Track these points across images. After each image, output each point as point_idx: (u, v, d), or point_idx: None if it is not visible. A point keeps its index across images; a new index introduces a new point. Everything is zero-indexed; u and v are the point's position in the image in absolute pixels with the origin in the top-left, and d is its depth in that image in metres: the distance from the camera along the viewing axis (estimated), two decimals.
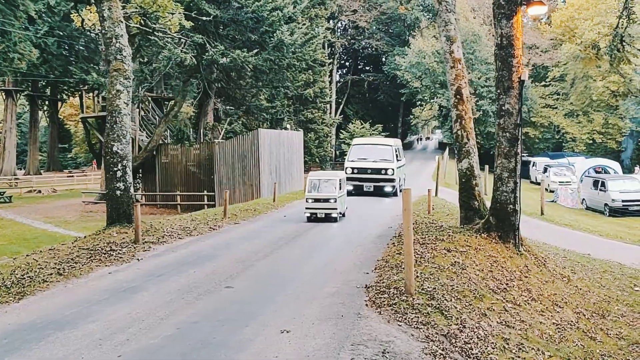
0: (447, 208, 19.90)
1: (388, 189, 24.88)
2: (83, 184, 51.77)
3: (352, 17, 64.48)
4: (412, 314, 8.00)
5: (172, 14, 18.83)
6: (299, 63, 32.92)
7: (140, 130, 35.58)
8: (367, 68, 78.91)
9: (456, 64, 14.32)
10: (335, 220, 17.11)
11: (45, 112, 72.47)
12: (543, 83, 62.52)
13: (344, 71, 75.76)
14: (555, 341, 8.87)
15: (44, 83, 62.98)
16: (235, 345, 6.83)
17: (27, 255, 11.92)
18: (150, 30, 20.25)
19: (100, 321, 7.85)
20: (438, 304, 8.46)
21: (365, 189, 25.07)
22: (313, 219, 17.23)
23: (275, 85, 32.97)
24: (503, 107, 12.77)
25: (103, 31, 14.90)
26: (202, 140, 34.50)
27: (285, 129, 36.95)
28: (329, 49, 62.62)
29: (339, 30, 70.35)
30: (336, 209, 17.10)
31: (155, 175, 34.04)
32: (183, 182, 33.20)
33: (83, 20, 21.17)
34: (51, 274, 10.37)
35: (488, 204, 14.14)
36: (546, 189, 31.17)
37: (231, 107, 37.24)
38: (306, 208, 17.36)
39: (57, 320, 7.93)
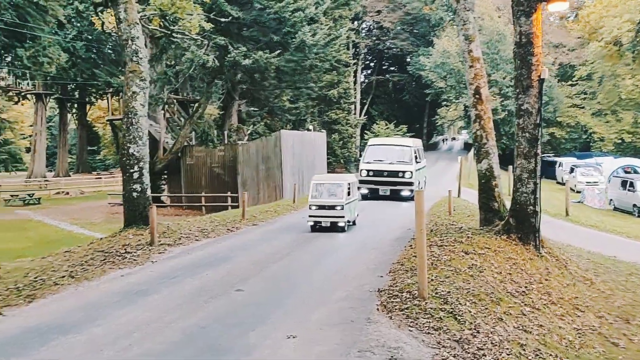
0: (468, 209, 19.58)
1: (406, 193, 23.18)
2: (110, 186, 52.41)
3: (376, 17, 64.18)
4: (424, 318, 7.82)
5: (190, 14, 18.86)
6: (321, 64, 32.83)
7: (165, 132, 35.85)
8: (392, 68, 78.46)
9: (475, 63, 14.08)
10: (342, 230, 15.46)
11: (74, 115, 73.67)
12: (570, 82, 61.40)
13: (369, 72, 75.46)
14: (575, 347, 8.59)
15: (72, 86, 64.03)
16: (240, 351, 6.76)
17: (42, 258, 12.03)
18: (169, 33, 20.33)
19: (106, 325, 7.83)
20: (452, 308, 8.25)
21: (381, 193, 23.57)
22: (317, 228, 15.59)
23: (298, 86, 32.95)
24: (522, 107, 12.51)
25: (119, 33, 15.01)
26: (226, 142, 34.63)
27: (308, 130, 36.92)
28: (354, 49, 62.37)
29: (363, 31, 70.10)
30: (343, 217, 15.40)
31: (180, 176, 34.23)
32: (208, 184, 33.31)
33: (103, 23, 21.38)
34: (63, 276, 10.43)
35: (509, 205, 13.87)
36: (572, 190, 30.55)
37: (254, 109, 37.31)
38: (309, 216, 15.68)
39: (63, 324, 7.93)
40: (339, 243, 14.31)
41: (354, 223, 16.68)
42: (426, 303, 8.34)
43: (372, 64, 76.52)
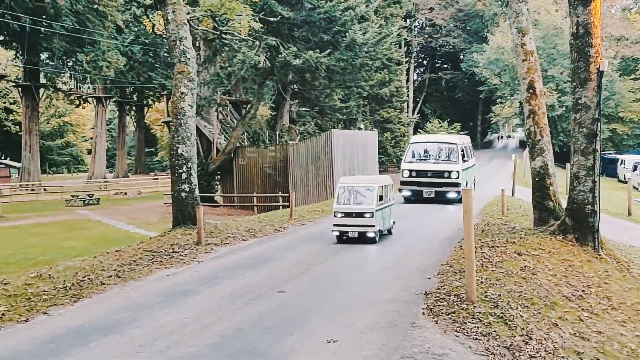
0: (522, 209, 18.87)
1: (452, 194, 21.33)
2: (167, 187, 53.38)
3: (428, 15, 63.40)
4: (472, 323, 7.46)
5: (239, 15, 18.89)
6: (372, 62, 32.50)
7: (219, 133, 36.28)
8: (445, 66, 77.43)
9: (528, 57, 13.51)
10: (372, 241, 13.58)
11: (133, 118, 75.70)
12: (633, 76, 58.90)
13: (422, 70, 74.63)
14: (637, 356, 8.03)
15: (131, 89, 65.76)
16: (276, 356, 6.57)
17: (94, 257, 12.20)
18: (218, 33, 20.45)
19: (146, 326, 7.80)
20: (502, 312, 7.85)
21: (425, 195, 21.75)
22: (344, 239, 13.77)
23: (349, 85, 32.73)
24: (579, 101, 11.91)
25: (167, 34, 15.13)
26: (278, 142, 34.76)
27: (359, 129, 36.63)
28: (406, 47, 61.74)
29: (415, 28, 69.35)
30: (373, 226, 13.44)
31: (232, 177, 34.56)
32: (259, 184, 33.51)
33: (154, 25, 21.69)
34: (110, 276, 10.52)
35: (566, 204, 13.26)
36: (635, 188, 29.19)
37: (305, 109, 37.32)
38: (334, 225, 13.72)
39: (105, 324, 7.95)
40: (387, 243, 14.00)
41: (389, 232, 14.83)
42: (474, 307, 7.98)
43: (424, 62, 75.66)
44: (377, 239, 13.73)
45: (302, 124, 37.08)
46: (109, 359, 6.67)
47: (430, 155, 22.47)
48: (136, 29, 55.72)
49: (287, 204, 30.70)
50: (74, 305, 9.02)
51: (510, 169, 41.82)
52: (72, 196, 41.48)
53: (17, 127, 63.58)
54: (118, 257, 12.00)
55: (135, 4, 40.55)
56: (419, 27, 71.29)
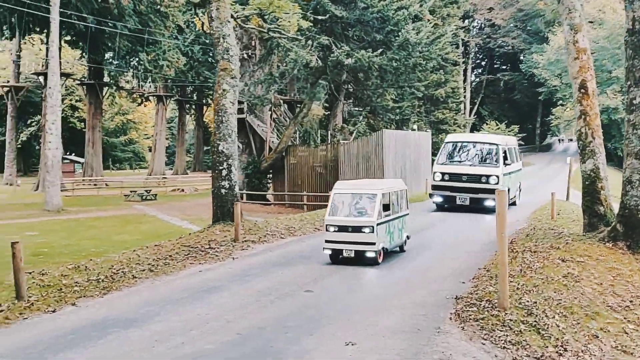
0: (574, 214, 18.02)
1: (490, 202, 18.59)
2: None
3: (487, 15, 62.07)
4: (501, 331, 7.10)
5: (287, 13, 18.91)
6: (426, 62, 32.04)
7: (272, 132, 36.57)
8: (504, 67, 75.69)
9: (580, 55, 12.93)
10: (373, 262, 11.18)
11: (192, 116, 77.29)
12: None
13: (480, 71, 73.20)
14: None
15: (191, 88, 67.14)
16: (291, 355, 6.46)
17: (133, 250, 12.42)
18: (265, 31, 20.55)
19: (167, 321, 7.82)
20: (535, 320, 7.45)
21: (458, 202, 19.40)
22: (341, 260, 11.43)
23: (401, 85, 32.36)
24: (634, 101, 11.33)
25: (211, 31, 15.30)
26: (330, 142, 34.74)
27: (413, 129, 36.15)
28: (463, 48, 60.64)
29: (474, 29, 68.04)
30: (374, 243, 11.01)
31: (284, 175, 34.75)
32: (310, 183, 33.56)
33: (203, 23, 21.98)
34: (144, 270, 10.67)
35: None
36: None
37: (357, 109, 37.14)
38: (326, 241, 11.40)
39: (128, 318, 8.02)
40: (424, 244, 13.68)
41: (401, 249, 12.57)
42: (506, 314, 7.60)
43: (482, 63, 74.20)
44: (379, 259, 11.26)
45: (354, 123, 36.90)
46: (122, 353, 6.68)
47: (466, 157, 20.17)
48: (196, 29, 56.86)
49: None
50: (103, 298, 9.17)
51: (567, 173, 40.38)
52: (131, 191, 42.68)
53: (82, 124, 65.93)
54: (156, 252, 12.18)
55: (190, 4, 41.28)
56: (477, 27, 69.93)
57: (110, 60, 58.33)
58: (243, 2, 21.95)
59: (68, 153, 71.64)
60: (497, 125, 52.47)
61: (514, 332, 7.09)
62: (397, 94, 36.24)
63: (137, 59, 58.53)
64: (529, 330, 7.17)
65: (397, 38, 28.78)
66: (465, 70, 60.95)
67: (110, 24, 49.13)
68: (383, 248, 11.45)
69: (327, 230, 11.39)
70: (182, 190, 50.73)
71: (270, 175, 36.54)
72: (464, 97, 59.28)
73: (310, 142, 33.98)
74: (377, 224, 11.09)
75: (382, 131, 30.55)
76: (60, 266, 10.97)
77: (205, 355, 6.59)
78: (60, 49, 48.59)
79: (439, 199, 19.97)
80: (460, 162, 20.00)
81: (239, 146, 36.66)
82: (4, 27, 52.09)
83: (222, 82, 14.83)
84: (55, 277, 10.09)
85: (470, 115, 61.04)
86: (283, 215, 28.54)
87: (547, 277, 9.44)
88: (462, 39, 56.40)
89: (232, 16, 15.62)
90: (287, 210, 32.34)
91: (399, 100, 37.67)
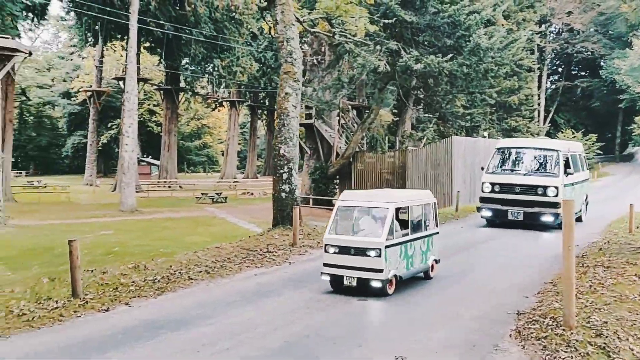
0: None
1: (547, 218, 16.67)
2: None
3: (566, 19, 59.91)
4: (565, 352, 6.60)
5: (353, 17, 18.89)
6: (498, 68, 31.27)
7: (339, 137, 36.68)
8: (582, 73, 72.73)
9: None
10: (382, 292, 9.23)
11: (264, 122, 78.58)
12: None
13: (556, 77, 70.71)
14: None
15: (263, 94, 68.34)
16: None
17: (194, 252, 12.67)
18: (331, 35, 20.59)
19: (216, 325, 7.82)
20: (605, 342, 6.84)
21: (510, 217, 17.25)
22: (344, 289, 9.51)
23: (472, 91, 31.72)
24: None
25: (276, 34, 15.45)
26: (398, 148, 34.50)
27: (483, 137, 35.36)
28: (539, 54, 58.80)
29: (551, 34, 65.82)
30: (380, 270, 9.07)
31: (351, 181, 34.75)
32: (377, 189, 33.43)
33: (270, 27, 22.27)
34: (200, 271, 10.80)
35: None
36: None
37: (426, 115, 36.72)
38: (324, 265, 9.60)
39: (178, 319, 8.06)
40: (494, 253, 13.29)
41: (426, 276, 10.55)
42: (572, 333, 7.10)
43: (559, 69, 71.67)
44: (388, 290, 9.30)
45: (422, 129, 36.48)
46: (165, 356, 6.69)
47: (520, 165, 17.95)
48: (270, 36, 57.88)
49: None
50: (157, 298, 9.27)
51: None
52: (202, 194, 43.82)
53: (159, 127, 68.31)
54: (215, 254, 12.36)
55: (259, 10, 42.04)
56: (554, 32, 67.61)
57: (186, 66, 60.19)
58: (310, 6, 22.17)
59: (145, 156, 74.45)
60: (573, 133, 50.54)
61: (580, 354, 6.57)
62: (468, 100, 35.57)
63: (211, 65, 60.19)
64: (597, 353, 6.63)
65: (468, 43, 28.22)
66: (540, 77, 59.02)
67: (186, 31, 50.72)
68: (395, 276, 9.42)
69: (325, 251, 9.56)
70: (252, 193, 51.61)
71: (337, 181, 36.62)
72: (539, 104, 57.44)
73: (378, 148, 33.85)
74: (387, 246, 9.14)
75: (451, 138, 30.06)
76: (121, 265, 11.29)
77: None
78: (139, 55, 50.65)
79: (488, 213, 17.86)
80: (512, 171, 17.85)
81: (306, 151, 37.18)
82: (88, 34, 54.79)
83: (284, 85, 14.97)
84: (114, 275, 10.34)
85: (544, 123, 59.06)
86: None
87: (620, 295, 8.85)
88: (538, 45, 54.74)
89: (297, 20, 15.78)
90: None
91: (469, 107, 36.97)
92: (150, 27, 48.95)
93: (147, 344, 7.07)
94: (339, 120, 36.46)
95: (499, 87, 36.80)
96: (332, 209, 30.01)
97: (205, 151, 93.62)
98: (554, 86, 69.32)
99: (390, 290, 9.39)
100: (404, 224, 9.93)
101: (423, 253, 10.34)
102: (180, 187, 53.63)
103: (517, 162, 18.08)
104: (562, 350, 6.66)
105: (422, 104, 36.53)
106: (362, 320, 8.12)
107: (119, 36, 54.79)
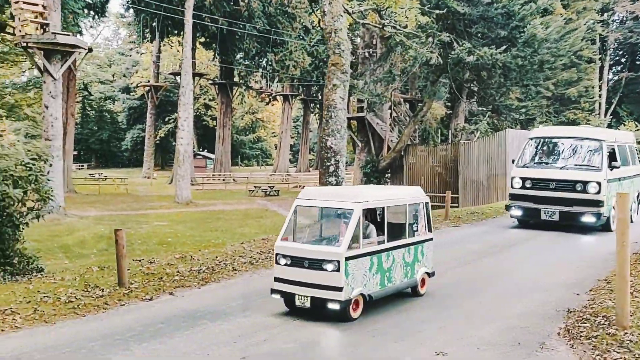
0: None
1: (588, 218, 14.79)
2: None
3: (630, 7, 57.40)
4: (618, 353, 6.31)
5: (402, 8, 18.68)
6: (554, 59, 30.34)
7: (390, 131, 36.45)
8: None
9: None
10: (341, 314, 7.50)
11: (316, 115, 78.90)
12: None
13: (619, 68, 68.01)
14: None
15: (315, 88, 68.62)
16: None
17: (241, 243, 12.84)
18: (380, 27, 20.43)
19: (255, 316, 7.85)
20: None
21: (544, 217, 15.30)
22: (297, 308, 7.84)
23: (526, 83, 30.89)
24: None
25: (323, 26, 15.43)
26: (451, 141, 34.06)
27: None
28: (600, 44, 56.64)
29: (613, 23, 63.28)
30: (339, 289, 7.32)
31: (402, 175, 34.53)
32: (429, 183, 33.09)
33: (319, 20, 22.25)
34: (245, 263, 10.91)
35: None
36: None
37: (479, 108, 36.04)
38: (275, 279, 8.00)
39: (218, 310, 8.12)
40: (544, 249, 12.95)
41: (414, 292, 8.83)
42: (625, 333, 6.80)
43: (622, 60, 68.86)
44: (351, 313, 7.54)
45: (475, 122, 35.82)
46: (203, 346, 6.73)
47: (557, 158, 15.95)
48: (321, 29, 57.98)
49: (456, 205, 30.03)
50: (200, 289, 9.37)
51: None
52: (255, 187, 44.43)
53: (215, 121, 69.50)
54: (261, 245, 12.48)
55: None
56: (617, 21, 64.93)
57: (240, 60, 61.00)
58: None
59: (201, 149, 75.95)
60: (636, 126, 48.57)
61: (634, 355, 6.27)
62: (522, 92, 34.69)
63: (265, 60, 60.86)
64: None
65: (522, 34, 27.49)
66: (601, 68, 56.90)
67: (240, 26, 51.41)
68: (364, 295, 7.65)
69: (276, 262, 7.92)
70: (303, 187, 51.93)
71: (389, 174, 36.45)
72: (599, 96, 55.44)
73: (430, 142, 33.49)
74: (348, 258, 7.37)
75: (505, 131, 29.48)
76: (168, 255, 11.54)
77: (284, 355, 6.50)
78: (194, 50, 51.69)
79: (518, 212, 15.98)
80: (547, 164, 15.85)
81: (357, 144, 37.12)
82: (146, 31, 56.24)
83: (332, 77, 14.95)
84: (161, 265, 10.57)
85: (605, 116, 56.94)
86: None
87: None
88: (600, 34, 52.74)
89: (346, 11, 15.74)
90: None
91: (524, 100, 36.06)
92: (206, 23, 49.86)
93: (186, 334, 7.16)
94: (390, 113, 36.23)
95: (555, 78, 35.77)
96: None
97: (259, 145, 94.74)
98: (616, 77, 66.64)
99: (355, 314, 7.59)
100: (379, 228, 8.19)
101: (408, 265, 8.52)
102: (233, 180, 54.52)
103: (552, 154, 16.19)
104: (614, 350, 6.40)
105: (475, 97, 35.86)
106: (402, 315, 7.96)
107: (175, 32, 56.00)
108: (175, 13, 47.01)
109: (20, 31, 23.69)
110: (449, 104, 36.94)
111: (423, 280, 8.97)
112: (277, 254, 7.92)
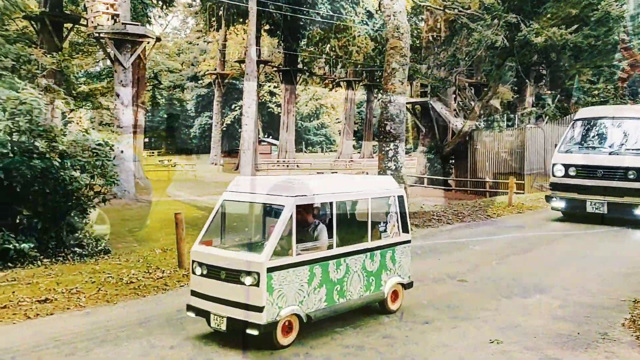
0: None
1: None
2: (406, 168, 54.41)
3: None
4: None
5: None
6: (630, 39, 28.94)
7: (455, 115, 35.82)
8: None
9: None
10: (265, 344, 5.84)
11: (380, 101, 78.44)
12: None
13: None
14: None
15: (379, 73, 68.13)
16: (427, 348, 6.08)
17: None
18: (442, 9, 19.98)
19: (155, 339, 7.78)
20: None
21: (589, 209, 13.55)
22: (215, 328, 6.12)
23: (599, 65, 29.58)
24: None
25: (382, 9, 15.23)
26: (517, 126, 33.16)
27: None
28: None
29: None
30: (260, 309, 5.66)
31: (467, 160, 33.92)
32: (494, 168, 32.39)
33: (379, 3, 21.95)
34: None
35: None
36: None
37: (548, 91, 34.84)
38: (191, 293, 6.32)
39: None
40: (606, 239, 12.47)
41: (382, 308, 7.08)
42: None
43: None
44: (279, 340, 5.86)
45: (543, 106, 34.66)
46: None
47: (605, 141, 14.10)
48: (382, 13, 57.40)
49: (522, 191, 29.24)
50: None
51: None
52: (318, 173, 44.68)
53: (279, 108, 70.14)
54: None
55: None
56: None
57: (304, 47, 61.20)
58: None
59: (266, 136, 76.99)
60: None
61: None
62: (594, 74, 33.27)
63: (328, 46, 60.78)
64: None
65: (595, 12, 26.33)
66: None
67: (304, 12, 51.54)
68: (299, 316, 5.98)
69: (192, 271, 6.32)
70: (367, 173, 51.88)
71: (453, 160, 35.87)
72: None
73: (495, 127, 32.69)
74: (272, 269, 5.72)
75: (575, 114, 28.44)
76: None
77: None
78: (258, 37, 52.23)
79: (560, 204, 14.27)
80: (595, 148, 14.04)
81: (421, 130, 36.67)
82: (212, 19, 57.29)
83: (391, 61, 14.81)
84: None
85: None
86: (463, 201, 28.00)
87: None
88: None
89: None
90: (468, 196, 31.46)
91: (596, 82, 34.59)
92: (270, 10, 50.25)
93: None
94: (455, 98, 35.59)
95: (632, 58, 34.11)
96: (447, 190, 28.12)
97: (322, 131, 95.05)
98: None
99: (286, 340, 5.93)
100: (329, 230, 6.41)
101: (371, 275, 6.81)
102: (297, 166, 54.98)
103: (600, 137, 14.44)
104: None
105: (543, 80, 34.68)
106: (457, 300, 7.83)
107: (241, 20, 56.72)
108: (240, 1, 47.56)
109: (92, 22, 24.63)
110: (516, 87, 35.89)
111: (395, 293, 7.18)
112: (192, 261, 6.28)
